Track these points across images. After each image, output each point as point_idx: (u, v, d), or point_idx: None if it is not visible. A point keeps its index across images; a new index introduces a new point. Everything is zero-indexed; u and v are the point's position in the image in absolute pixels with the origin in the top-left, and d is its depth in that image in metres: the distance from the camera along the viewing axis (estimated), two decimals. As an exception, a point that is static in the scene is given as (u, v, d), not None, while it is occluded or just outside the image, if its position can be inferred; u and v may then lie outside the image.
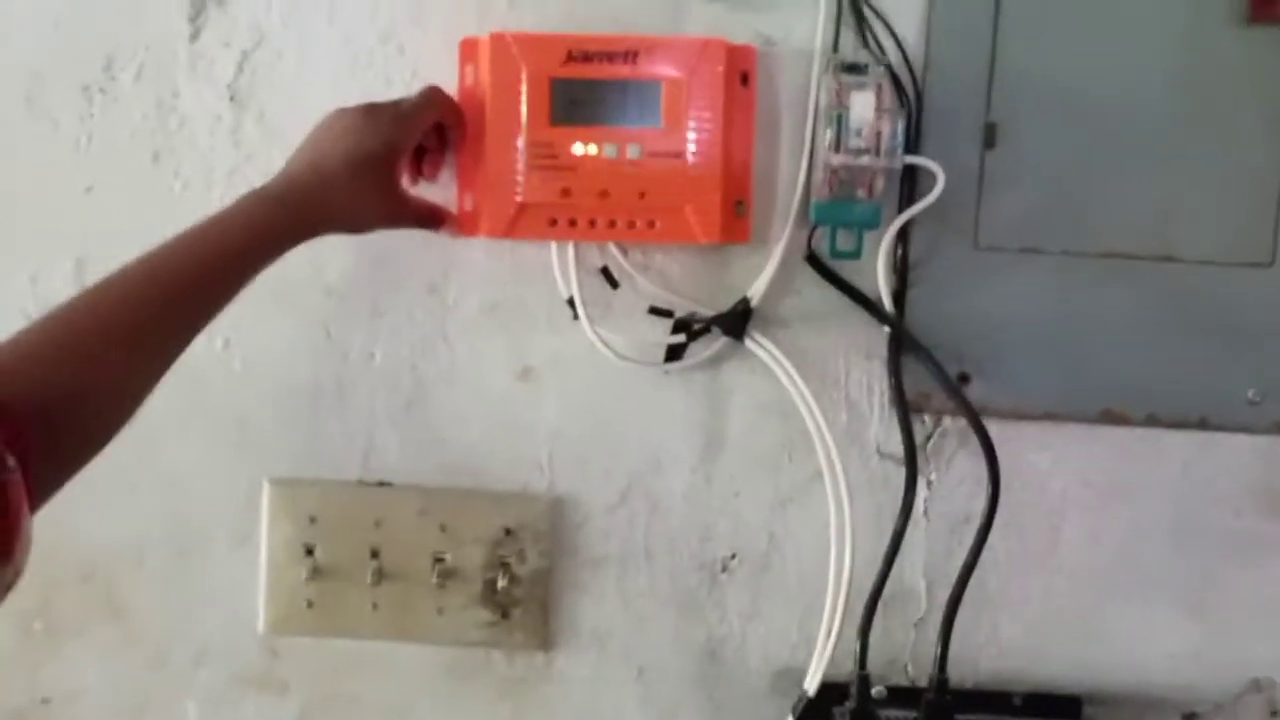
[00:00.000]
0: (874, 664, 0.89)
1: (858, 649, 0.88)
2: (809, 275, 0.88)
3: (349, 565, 0.94)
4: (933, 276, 0.88)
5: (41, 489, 0.58)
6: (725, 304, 0.89)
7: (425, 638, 0.95)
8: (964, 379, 0.88)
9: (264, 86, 0.91)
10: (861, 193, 0.84)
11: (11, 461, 0.53)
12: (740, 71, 0.85)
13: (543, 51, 0.84)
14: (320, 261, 0.91)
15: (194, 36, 0.91)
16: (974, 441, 0.85)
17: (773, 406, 0.90)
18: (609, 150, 0.84)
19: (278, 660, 0.97)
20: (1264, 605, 0.90)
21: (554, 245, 0.89)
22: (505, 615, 0.94)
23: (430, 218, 0.86)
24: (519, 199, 0.85)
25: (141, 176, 0.93)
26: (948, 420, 0.90)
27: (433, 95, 0.84)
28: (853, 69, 0.83)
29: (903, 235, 0.87)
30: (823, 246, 0.87)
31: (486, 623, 0.94)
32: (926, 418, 0.90)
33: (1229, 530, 0.89)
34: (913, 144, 0.85)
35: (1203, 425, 0.88)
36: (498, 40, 0.84)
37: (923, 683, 0.90)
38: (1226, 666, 0.91)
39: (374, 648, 0.96)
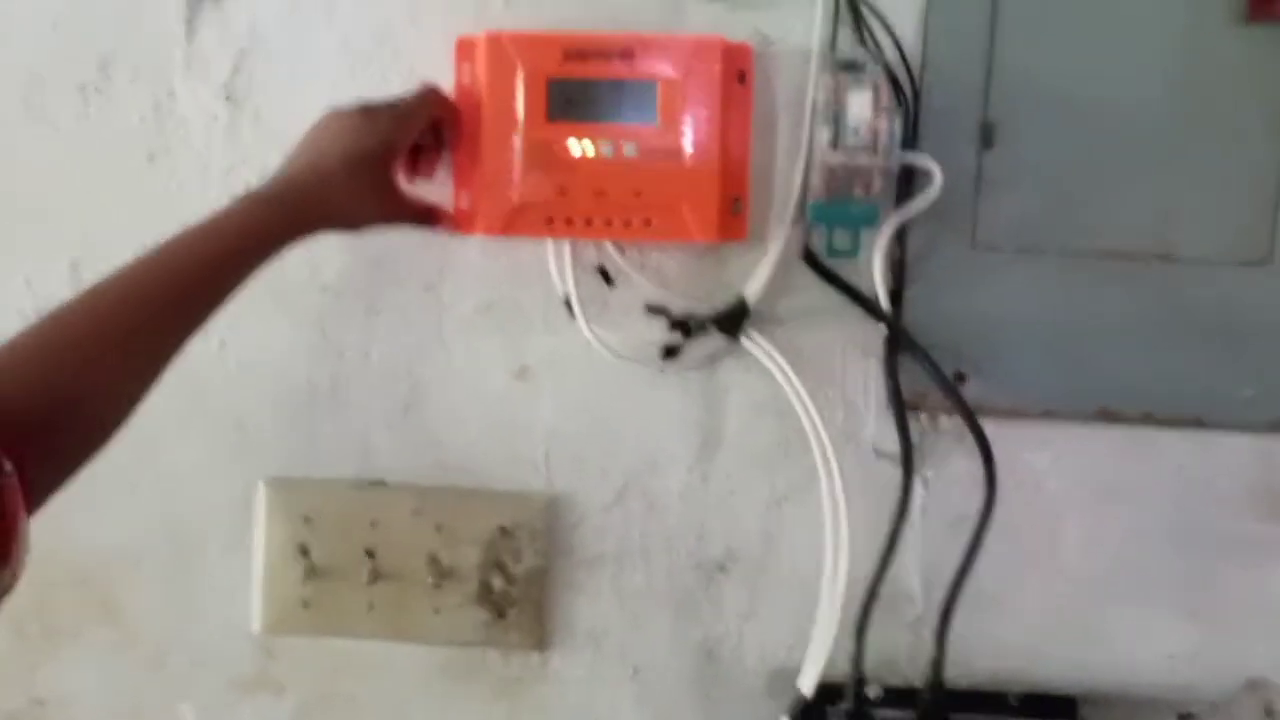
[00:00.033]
0: (870, 664, 0.89)
1: (853, 649, 0.89)
2: (806, 274, 0.88)
3: (344, 565, 0.94)
4: (930, 276, 0.88)
5: (39, 493, 0.57)
6: (722, 303, 0.89)
7: (421, 638, 0.95)
8: (961, 378, 0.88)
9: (260, 86, 0.91)
10: (859, 191, 0.83)
11: (8, 466, 0.53)
12: (737, 70, 0.85)
13: (539, 51, 0.84)
14: (316, 261, 0.91)
15: (189, 37, 0.91)
16: (971, 441, 0.85)
17: (769, 405, 0.90)
18: (605, 149, 0.84)
19: (273, 661, 0.97)
20: (1260, 606, 0.90)
21: (550, 244, 0.89)
22: (501, 615, 0.94)
23: (427, 216, 0.86)
24: (515, 198, 0.85)
25: (138, 177, 0.92)
26: (944, 419, 0.89)
27: (428, 94, 0.84)
28: (850, 67, 0.82)
29: (900, 234, 0.87)
30: (820, 245, 0.87)
31: (482, 622, 0.94)
32: (923, 417, 0.90)
33: (1226, 530, 0.89)
34: (910, 143, 0.85)
35: (1200, 424, 0.88)
36: (494, 40, 0.84)
37: (918, 683, 0.90)
38: (1222, 667, 0.91)
39: (370, 648, 0.96)
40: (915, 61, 0.86)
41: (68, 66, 0.92)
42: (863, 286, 0.87)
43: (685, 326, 0.89)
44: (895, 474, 0.88)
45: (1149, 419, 0.88)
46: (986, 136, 0.86)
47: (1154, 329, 0.87)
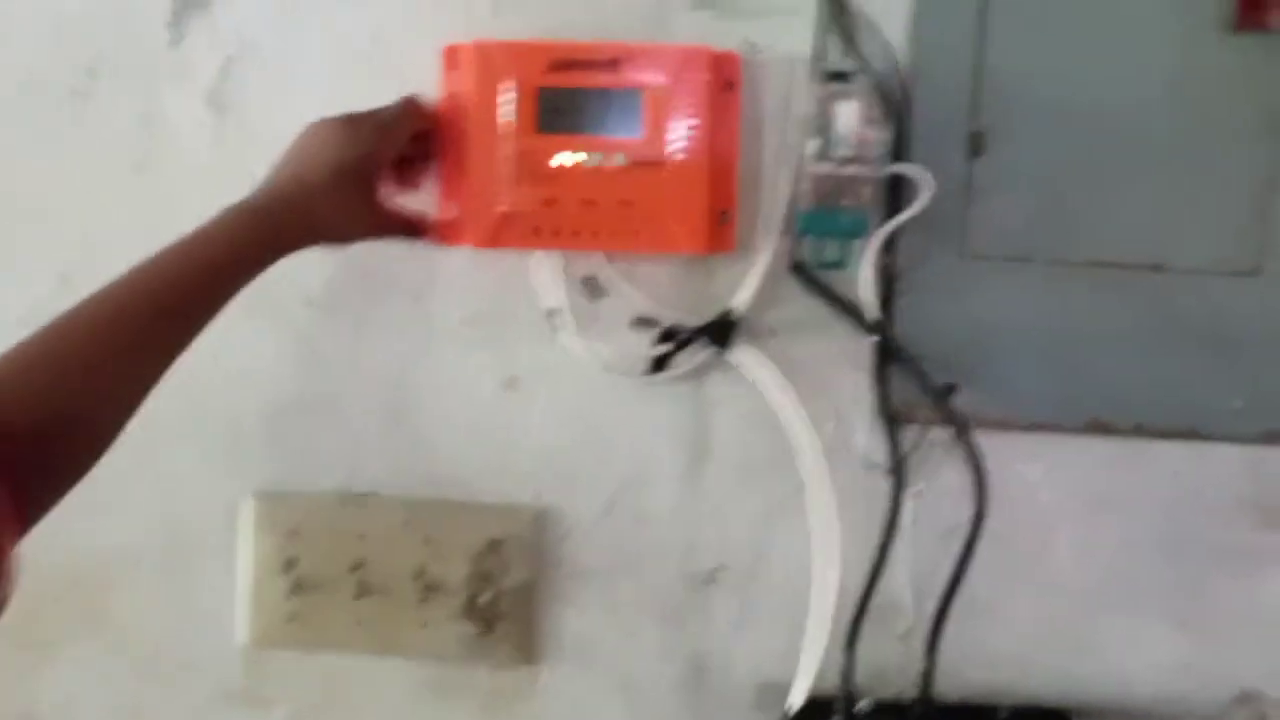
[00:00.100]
0: (860, 677, 0.89)
1: (844, 661, 0.88)
2: (795, 285, 0.88)
3: (332, 578, 0.93)
4: (920, 286, 0.87)
5: (32, 512, 0.58)
6: (710, 314, 0.88)
7: (409, 651, 0.94)
8: (951, 389, 0.87)
9: (247, 94, 0.91)
10: (848, 201, 0.83)
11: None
12: (725, 79, 0.85)
13: (526, 60, 0.83)
14: (303, 273, 0.90)
15: (175, 43, 0.91)
16: (961, 452, 0.85)
17: (758, 417, 0.89)
18: (592, 159, 0.83)
19: (260, 674, 0.96)
20: (1253, 617, 0.89)
21: (538, 255, 0.88)
22: (490, 628, 0.93)
23: (413, 228, 0.86)
24: (502, 208, 0.84)
25: (125, 186, 0.92)
26: (935, 430, 0.89)
27: (410, 105, 0.83)
28: (839, 77, 0.82)
29: (889, 244, 0.86)
30: (809, 256, 0.86)
31: (471, 636, 0.93)
32: (913, 428, 0.89)
33: (1218, 541, 0.89)
34: (899, 152, 0.85)
35: (1191, 435, 0.87)
36: (481, 49, 0.84)
37: (909, 696, 0.89)
38: (1215, 678, 0.90)
39: (357, 662, 0.95)
40: (904, 70, 0.85)
41: (54, 75, 0.91)
42: (852, 297, 0.87)
43: (674, 338, 0.89)
44: (885, 485, 0.88)
45: (1140, 430, 0.87)
46: (976, 146, 0.86)
47: (1145, 339, 0.87)
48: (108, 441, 0.63)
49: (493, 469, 0.92)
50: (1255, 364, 0.86)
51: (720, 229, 0.86)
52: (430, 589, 0.93)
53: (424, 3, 0.88)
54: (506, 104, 0.83)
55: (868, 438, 0.90)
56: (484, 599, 0.93)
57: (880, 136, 0.81)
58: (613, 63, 0.83)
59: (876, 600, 0.88)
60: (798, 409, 0.88)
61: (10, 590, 0.53)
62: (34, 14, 0.91)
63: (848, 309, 0.87)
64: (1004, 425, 0.88)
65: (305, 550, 0.93)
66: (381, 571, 0.93)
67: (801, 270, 0.87)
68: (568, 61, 0.83)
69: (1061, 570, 0.90)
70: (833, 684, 0.88)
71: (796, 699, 0.88)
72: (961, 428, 0.85)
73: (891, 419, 0.88)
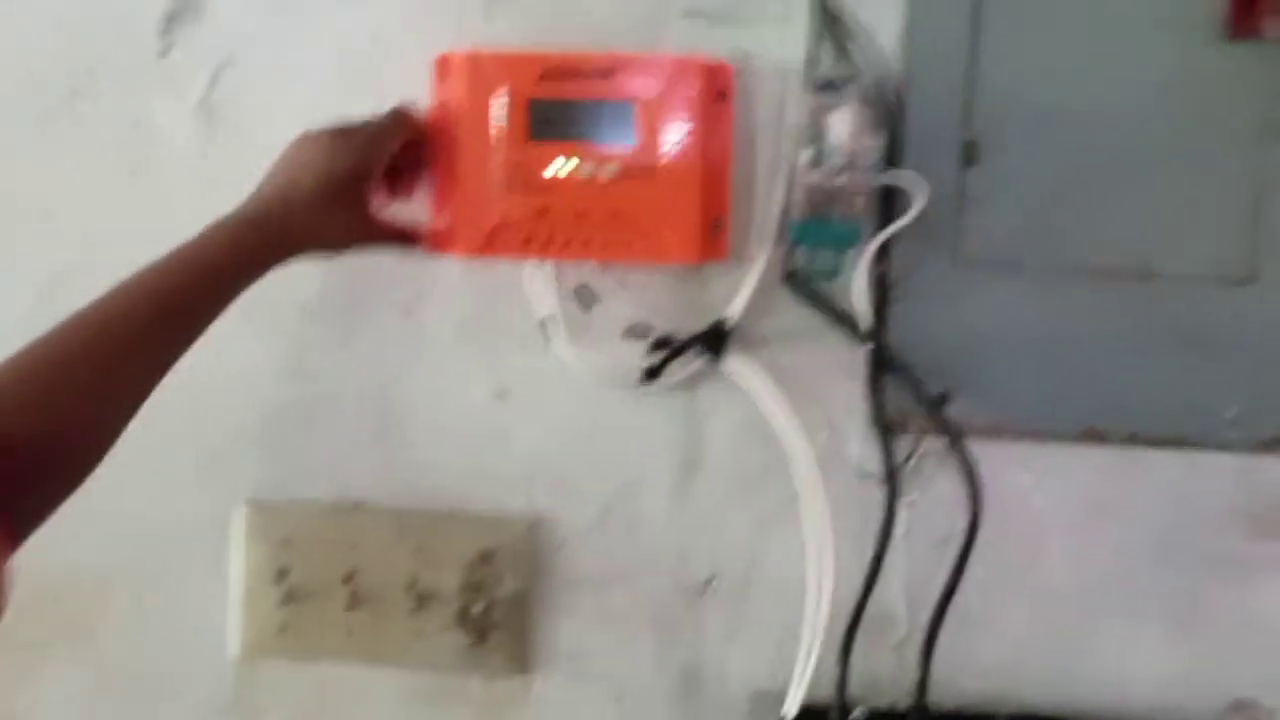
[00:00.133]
0: (855, 686, 0.88)
1: (838, 671, 0.88)
2: (788, 294, 0.87)
3: (324, 589, 0.93)
4: (913, 295, 0.87)
5: (25, 526, 0.58)
6: (703, 323, 0.88)
7: (401, 662, 0.94)
8: (945, 398, 0.87)
9: (238, 103, 0.91)
10: (840, 210, 0.82)
11: None
12: (717, 88, 0.84)
13: (517, 70, 0.83)
14: (295, 282, 0.88)
15: (164, 53, 0.90)
16: (955, 461, 0.84)
17: (752, 427, 0.89)
18: (584, 169, 0.83)
19: (251, 685, 0.96)
20: (1248, 625, 0.89)
21: (530, 265, 0.88)
22: (483, 639, 0.93)
23: (404, 237, 0.85)
24: (494, 218, 0.84)
25: (115, 194, 0.92)
26: (929, 440, 0.89)
27: (401, 115, 0.83)
28: (831, 86, 0.82)
29: (882, 253, 0.86)
30: (802, 265, 0.86)
31: (464, 646, 0.93)
32: (907, 437, 0.89)
33: (1211, 550, 0.89)
34: (892, 161, 0.84)
35: (1184, 443, 0.87)
36: (473, 59, 0.84)
37: (903, 705, 0.89)
38: (1209, 686, 0.90)
39: (349, 672, 0.95)
40: (897, 79, 0.85)
41: (45, 82, 0.91)
42: (845, 306, 0.86)
43: (667, 347, 0.88)
44: (879, 494, 0.87)
45: (1134, 438, 0.87)
46: (969, 154, 0.85)
47: (1138, 347, 0.86)
48: (100, 455, 0.63)
49: (485, 478, 0.92)
50: (1249, 372, 0.86)
51: (713, 238, 0.85)
52: (423, 599, 0.92)
53: (415, 11, 0.88)
54: (498, 114, 0.83)
55: (861, 447, 0.90)
56: (477, 609, 0.92)
57: (873, 145, 0.81)
58: (605, 73, 0.83)
59: (870, 609, 0.87)
60: (791, 418, 0.87)
61: (4, 604, 0.53)
62: (25, 22, 0.91)
63: (841, 318, 0.87)
64: (998, 434, 0.88)
65: (297, 560, 0.93)
66: (374, 581, 0.93)
67: (795, 279, 0.87)
68: (560, 71, 0.83)
69: (1055, 579, 0.90)
70: (827, 693, 0.88)
71: (791, 709, 0.88)
72: (955, 436, 0.85)
73: (885, 428, 0.87)
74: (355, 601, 0.92)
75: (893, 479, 0.87)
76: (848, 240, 0.84)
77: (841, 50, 0.85)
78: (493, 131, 0.83)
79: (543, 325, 0.89)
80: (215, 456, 0.94)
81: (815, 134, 0.80)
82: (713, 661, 0.93)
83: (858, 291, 0.85)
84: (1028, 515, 0.89)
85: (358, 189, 0.79)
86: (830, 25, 0.85)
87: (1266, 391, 0.86)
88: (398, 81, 0.87)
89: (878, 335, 0.87)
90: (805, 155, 0.81)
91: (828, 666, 0.88)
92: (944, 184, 0.85)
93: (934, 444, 0.88)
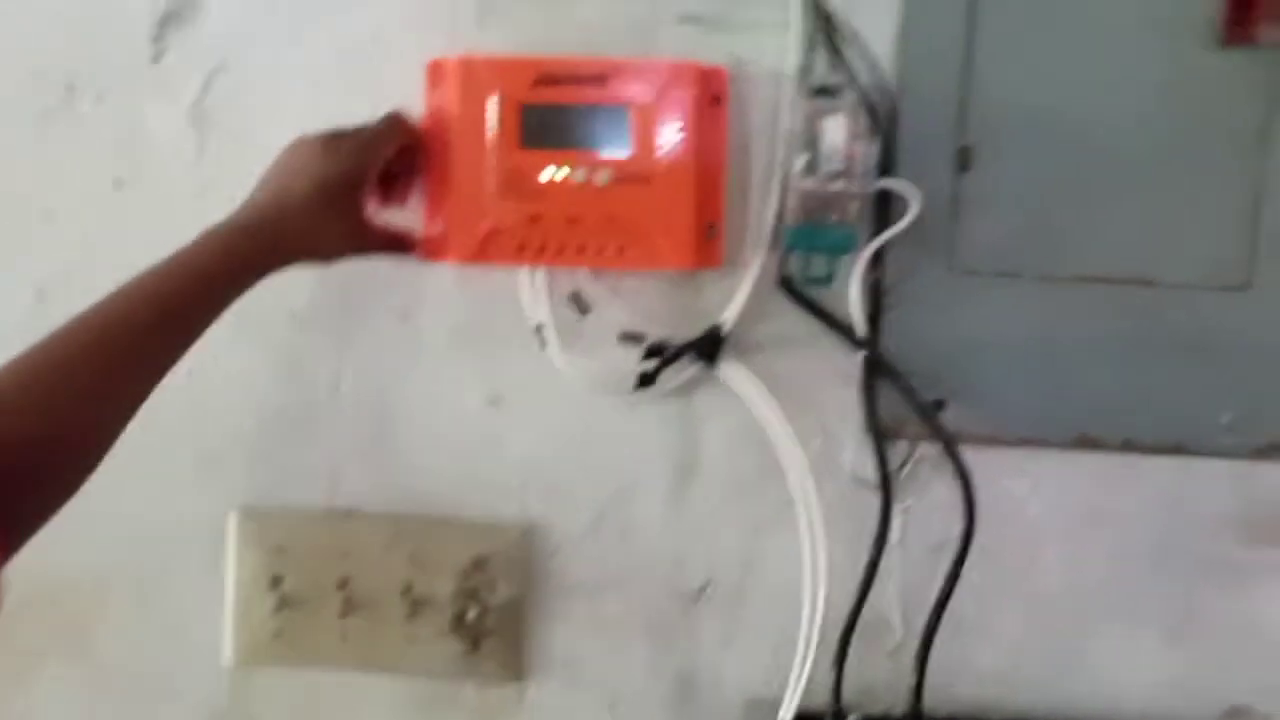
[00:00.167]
0: (849, 693, 0.88)
1: (833, 677, 0.88)
2: (782, 300, 0.87)
3: (317, 595, 0.92)
4: (907, 301, 0.87)
5: (20, 534, 0.58)
6: (697, 329, 0.88)
7: (396, 669, 0.93)
8: (939, 404, 0.87)
9: (230, 109, 0.90)
10: (835, 217, 0.82)
11: None
12: (712, 94, 0.84)
13: (511, 75, 0.83)
14: (288, 289, 0.88)
15: (156, 58, 0.90)
16: (950, 468, 0.84)
17: (746, 433, 0.89)
18: (578, 175, 0.83)
19: (246, 692, 0.96)
20: (1243, 632, 0.89)
21: (524, 271, 0.88)
22: (476, 645, 0.92)
23: (398, 244, 0.85)
24: (487, 224, 0.84)
25: (106, 201, 0.91)
26: (923, 446, 0.88)
27: (395, 121, 0.83)
28: (826, 92, 0.82)
29: (877, 259, 0.86)
30: (796, 271, 0.86)
31: (458, 653, 0.92)
32: (902, 444, 0.89)
33: (1206, 557, 0.88)
34: (886, 167, 0.84)
35: (1179, 450, 0.87)
36: (466, 64, 0.83)
37: (898, 711, 0.89)
38: (1204, 693, 0.90)
39: (343, 679, 0.94)
40: (891, 85, 0.85)
41: (36, 89, 0.91)
42: (840, 312, 0.86)
43: (661, 353, 0.88)
44: (874, 501, 0.87)
45: (1128, 445, 0.87)
46: (963, 160, 0.85)
47: (1133, 354, 0.86)
48: (96, 460, 0.63)
49: (479, 485, 0.92)
50: (1244, 379, 0.86)
51: (708, 244, 0.85)
52: (417, 605, 0.92)
53: (408, 17, 0.87)
54: (492, 119, 0.83)
55: (856, 453, 0.89)
56: (471, 615, 0.92)
57: (867, 151, 0.81)
58: (599, 78, 0.82)
59: (865, 616, 0.87)
60: (786, 425, 0.87)
61: None
62: (16, 28, 0.90)
63: (836, 324, 0.87)
64: (992, 440, 0.87)
65: (290, 567, 0.93)
66: (368, 588, 0.92)
67: (789, 285, 0.87)
68: (554, 77, 0.82)
69: (1051, 585, 0.90)
70: (821, 700, 0.88)
71: (786, 715, 0.87)
72: (950, 443, 0.85)
73: (880, 434, 0.87)
74: (349, 608, 0.92)
75: (888, 485, 0.87)
76: (842, 246, 0.84)
77: (836, 56, 0.84)
78: (486, 137, 0.83)
79: (537, 331, 0.88)
80: (208, 463, 0.93)
81: (810, 140, 0.80)
82: (707, 668, 0.93)
83: (852, 298, 0.85)
84: (1023, 521, 0.89)
85: (351, 195, 0.79)
86: (825, 31, 0.84)
87: (1261, 398, 0.86)
88: (391, 87, 0.87)
89: (873, 341, 0.86)
90: (800, 161, 0.81)
91: (823, 673, 0.87)
92: (938, 190, 0.84)
93: (929, 450, 0.88)
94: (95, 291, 0.66)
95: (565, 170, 0.83)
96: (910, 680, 0.87)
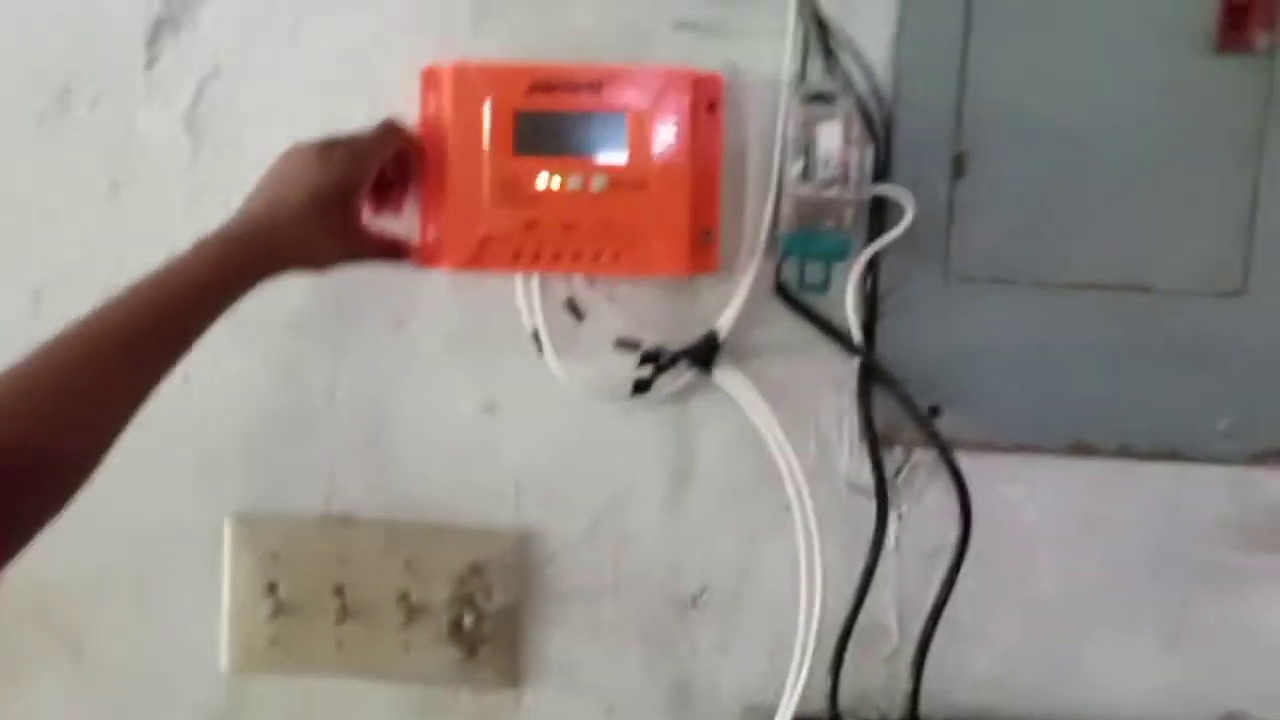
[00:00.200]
0: (846, 699, 0.88)
1: (829, 683, 0.88)
2: (778, 307, 0.87)
3: (313, 602, 0.92)
4: (903, 308, 0.87)
5: (14, 543, 0.57)
6: (693, 336, 0.88)
7: (392, 675, 0.93)
8: (935, 411, 0.87)
9: (223, 116, 0.90)
10: (830, 223, 0.82)
11: None
12: (707, 101, 0.84)
13: (506, 82, 0.83)
14: (283, 294, 0.88)
15: (151, 64, 0.90)
16: (946, 474, 0.84)
17: (742, 439, 0.89)
18: (573, 182, 0.83)
19: (242, 698, 0.96)
20: (1239, 638, 0.89)
21: (519, 278, 0.88)
22: (473, 652, 0.92)
23: (393, 251, 0.85)
24: (482, 231, 0.84)
25: (100, 207, 0.91)
26: (919, 453, 0.88)
27: (390, 128, 0.83)
28: (821, 98, 0.82)
29: (872, 266, 0.86)
30: (792, 278, 0.86)
31: (454, 660, 0.92)
32: (897, 450, 0.89)
33: (1202, 562, 0.88)
34: (882, 174, 0.84)
35: (1175, 456, 0.87)
36: (460, 71, 0.83)
37: (895, 717, 0.89)
38: (1200, 699, 0.90)
39: (340, 686, 0.94)
40: (886, 92, 0.85)
41: (29, 94, 0.90)
42: (835, 319, 0.87)
43: (657, 360, 0.88)
44: (870, 507, 0.87)
45: (1124, 451, 0.87)
46: (958, 167, 0.85)
47: (1128, 360, 0.86)
48: (93, 467, 0.63)
49: (475, 491, 0.92)
50: (1239, 385, 0.86)
51: (703, 250, 0.85)
52: (413, 612, 0.92)
53: (402, 24, 0.87)
54: (486, 126, 0.83)
55: (851, 460, 0.89)
56: (467, 622, 0.92)
57: (863, 158, 0.80)
58: (595, 85, 0.82)
59: (861, 622, 0.87)
60: (781, 431, 0.87)
61: None
62: (9, 34, 0.90)
63: (831, 331, 0.87)
64: (988, 447, 0.87)
65: (286, 573, 0.92)
66: (363, 594, 0.92)
67: (785, 292, 0.87)
68: (549, 84, 0.82)
69: (1046, 591, 0.90)
70: (818, 706, 0.88)
71: (781, 722, 0.88)
72: (945, 449, 0.84)
73: (875, 441, 0.87)
74: (345, 615, 0.92)
75: (883, 491, 0.87)
76: (838, 252, 0.84)
77: (831, 62, 0.84)
78: (481, 144, 0.83)
79: (533, 338, 0.88)
80: (203, 470, 0.93)
81: (805, 146, 0.80)
82: (704, 674, 0.93)
83: (848, 304, 0.85)
84: (1019, 528, 0.89)
85: (346, 203, 0.79)
86: (820, 37, 0.84)
87: (1257, 403, 0.86)
88: (385, 94, 0.87)
89: (868, 348, 0.86)
90: (795, 167, 0.80)
91: (819, 679, 0.87)
92: (934, 196, 0.85)
93: (924, 456, 0.88)
94: (91, 294, 0.66)
95: (560, 177, 0.83)
96: (906, 686, 0.87)
